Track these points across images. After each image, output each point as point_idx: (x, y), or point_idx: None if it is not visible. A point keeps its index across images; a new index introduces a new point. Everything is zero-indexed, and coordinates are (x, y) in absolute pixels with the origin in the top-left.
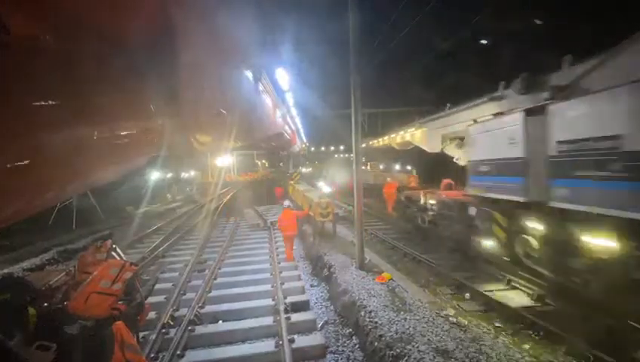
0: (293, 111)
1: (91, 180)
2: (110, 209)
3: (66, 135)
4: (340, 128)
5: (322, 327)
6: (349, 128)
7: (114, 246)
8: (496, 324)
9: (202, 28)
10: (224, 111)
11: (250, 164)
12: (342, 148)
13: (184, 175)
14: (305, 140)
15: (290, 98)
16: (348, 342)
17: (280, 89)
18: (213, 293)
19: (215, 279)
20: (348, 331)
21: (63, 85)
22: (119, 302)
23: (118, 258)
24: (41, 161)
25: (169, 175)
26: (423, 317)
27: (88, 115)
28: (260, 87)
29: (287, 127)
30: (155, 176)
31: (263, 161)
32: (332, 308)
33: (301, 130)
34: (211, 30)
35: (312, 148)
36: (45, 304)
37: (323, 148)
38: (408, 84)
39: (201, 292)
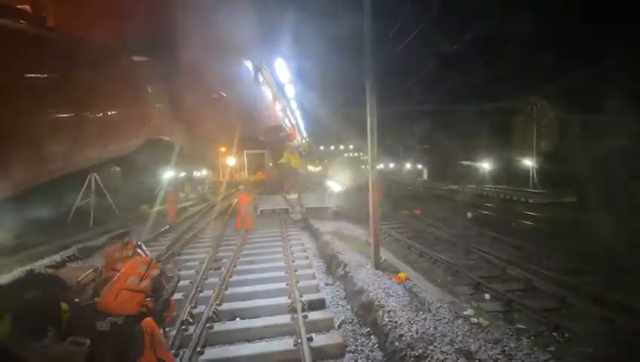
0: (293, 105)
1: (91, 155)
2: (125, 208)
3: (65, 115)
4: (350, 127)
5: (340, 326)
6: (356, 126)
7: (139, 243)
8: (519, 326)
9: (204, 16)
10: (224, 95)
11: (261, 163)
12: (351, 147)
13: (196, 174)
14: (305, 135)
15: (290, 92)
16: (366, 341)
17: (280, 82)
18: (230, 291)
19: (230, 277)
20: (366, 330)
21: (68, 72)
22: (146, 299)
23: (144, 255)
24: (47, 136)
25: (182, 174)
26: (444, 318)
27: (89, 96)
28: (261, 79)
29: (286, 121)
30: (168, 175)
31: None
32: (348, 306)
33: (301, 125)
34: (213, 17)
35: (322, 147)
36: (76, 300)
37: (333, 148)
38: (412, 83)
39: (218, 289)
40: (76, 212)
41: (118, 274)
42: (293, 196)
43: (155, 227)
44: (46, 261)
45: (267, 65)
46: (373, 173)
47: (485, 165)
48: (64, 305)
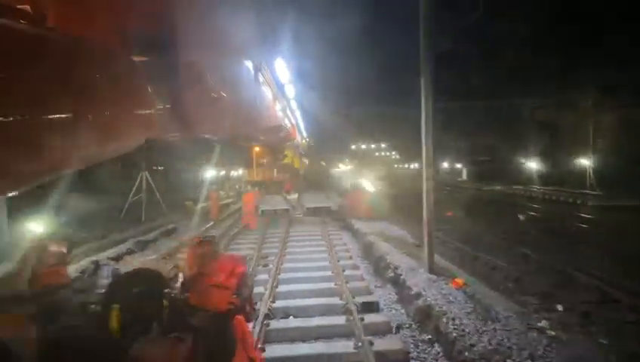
0: (293, 105)
1: (90, 156)
2: (171, 204)
3: (63, 115)
4: (386, 125)
5: (397, 331)
6: (393, 124)
7: (216, 240)
8: (602, 341)
9: (204, 16)
10: (224, 95)
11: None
12: (383, 145)
13: (233, 173)
14: (305, 135)
15: (290, 92)
16: (429, 349)
17: (280, 82)
18: (280, 289)
19: (279, 274)
20: (427, 337)
21: (66, 71)
22: (232, 296)
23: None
24: (45, 135)
25: (221, 173)
26: (515, 328)
27: (87, 96)
28: (261, 79)
29: (286, 121)
30: (209, 174)
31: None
32: (403, 311)
33: (301, 125)
34: (213, 18)
35: (353, 146)
36: (173, 295)
37: (364, 147)
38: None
39: (270, 287)
40: (128, 207)
41: (207, 270)
42: (294, 196)
43: (201, 223)
44: (108, 253)
45: (269, 69)
46: (428, 174)
47: (532, 164)
48: (165, 301)
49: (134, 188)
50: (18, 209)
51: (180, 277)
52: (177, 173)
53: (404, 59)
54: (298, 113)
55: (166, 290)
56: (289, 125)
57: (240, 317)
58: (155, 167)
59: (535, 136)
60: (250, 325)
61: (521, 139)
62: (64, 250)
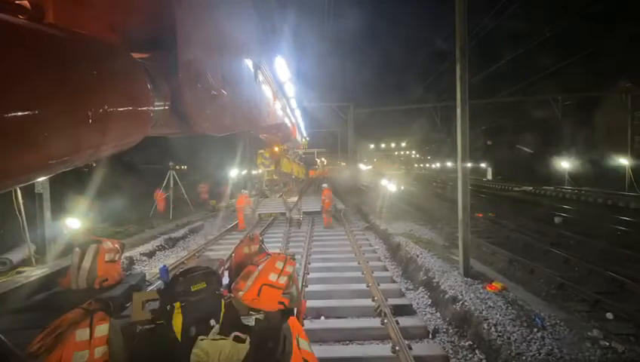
0: (293, 104)
1: (88, 154)
2: (197, 202)
3: (61, 113)
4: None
5: (434, 335)
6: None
7: (261, 238)
8: None
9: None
10: (224, 92)
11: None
12: (403, 144)
13: (254, 172)
14: (305, 134)
15: (291, 91)
16: (470, 355)
17: (280, 81)
18: (310, 288)
19: (308, 274)
20: (467, 343)
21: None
22: (282, 296)
23: (266, 250)
24: (43, 133)
25: (244, 172)
26: (565, 337)
27: (86, 93)
28: (261, 77)
29: (287, 120)
30: (233, 173)
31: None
32: (438, 315)
33: (301, 125)
34: (214, 16)
35: (372, 146)
36: (230, 294)
37: (383, 146)
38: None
39: (300, 286)
40: (155, 205)
41: (259, 269)
42: (293, 199)
43: (227, 220)
44: (141, 249)
45: (269, 68)
46: (463, 173)
47: (564, 164)
48: (223, 300)
49: (162, 186)
50: (58, 208)
51: (226, 276)
52: (201, 171)
53: (429, 52)
54: (298, 112)
55: (221, 289)
56: (289, 124)
57: (294, 318)
58: (179, 166)
59: (567, 135)
60: None
61: (552, 138)
62: (118, 246)
